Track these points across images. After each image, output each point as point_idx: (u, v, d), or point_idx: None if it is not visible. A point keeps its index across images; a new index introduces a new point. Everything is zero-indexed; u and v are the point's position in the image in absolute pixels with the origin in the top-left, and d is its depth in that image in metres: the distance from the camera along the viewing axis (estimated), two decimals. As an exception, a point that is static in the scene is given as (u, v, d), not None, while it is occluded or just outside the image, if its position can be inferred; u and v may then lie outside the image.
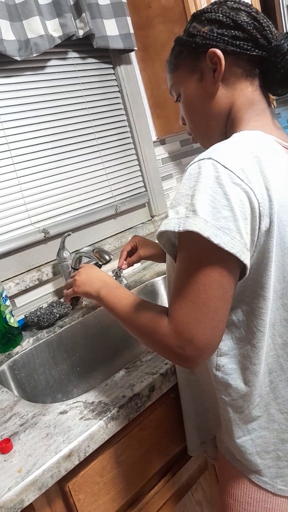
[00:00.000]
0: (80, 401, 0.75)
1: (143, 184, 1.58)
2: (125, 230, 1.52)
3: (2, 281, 1.18)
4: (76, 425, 0.68)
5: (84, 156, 1.39)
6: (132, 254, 1.05)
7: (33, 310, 1.20)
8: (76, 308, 1.21)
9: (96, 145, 1.43)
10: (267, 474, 0.68)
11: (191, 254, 0.56)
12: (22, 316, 1.19)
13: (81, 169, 1.38)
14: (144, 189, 1.58)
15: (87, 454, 0.66)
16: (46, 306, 1.22)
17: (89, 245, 1.14)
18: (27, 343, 1.10)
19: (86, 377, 1.21)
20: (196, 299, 0.55)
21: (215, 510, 0.97)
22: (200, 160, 0.57)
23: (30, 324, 1.16)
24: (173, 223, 0.56)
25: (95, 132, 1.42)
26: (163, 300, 1.42)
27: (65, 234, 1.19)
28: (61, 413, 0.73)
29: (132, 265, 1.05)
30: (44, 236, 1.25)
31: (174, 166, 1.71)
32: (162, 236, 0.59)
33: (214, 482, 0.95)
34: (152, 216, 1.63)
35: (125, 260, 1.04)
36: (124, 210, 1.50)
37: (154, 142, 1.61)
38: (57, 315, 1.16)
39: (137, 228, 1.53)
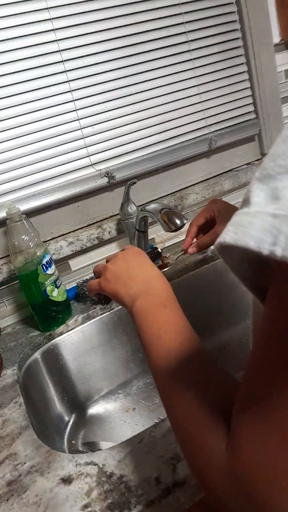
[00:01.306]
0: (95, 465, 0.48)
1: (253, 108, 1.13)
2: (221, 173, 1.13)
3: (48, 240, 0.93)
4: (74, 521, 0.42)
5: (169, 69, 0.99)
6: (206, 230, 0.69)
7: (88, 278, 0.95)
8: (106, 307, 0.89)
9: (188, 51, 1.01)
10: None
11: None
12: (75, 283, 0.95)
13: (163, 87, 0.99)
14: (254, 115, 1.14)
15: None
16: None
17: (156, 202, 0.80)
18: (74, 322, 0.87)
19: (150, 365, 0.95)
20: None
21: None
22: None
23: (81, 296, 0.92)
24: (258, 227, 0.22)
25: (188, 31, 1.00)
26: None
27: (129, 183, 0.86)
28: (63, 480, 0.48)
29: (205, 249, 0.70)
30: (108, 182, 0.95)
31: (303, 81, 1.20)
32: (230, 249, 0.24)
33: None
34: (263, 155, 1.19)
35: (195, 238, 0.69)
36: (222, 146, 1.09)
37: (276, 45, 1.11)
38: (114, 290, 0.89)
39: (239, 172, 1.12)
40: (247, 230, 0.22)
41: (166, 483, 0.44)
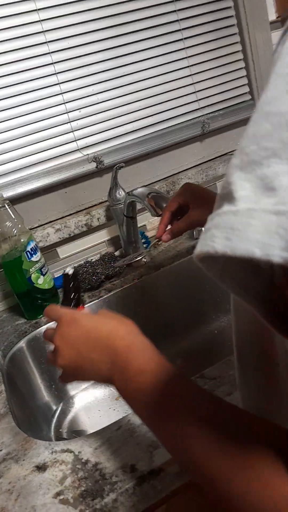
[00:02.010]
0: (71, 452, 0.47)
1: (248, 89, 1.10)
2: (215, 158, 1.10)
3: (35, 227, 0.92)
4: (46, 510, 0.41)
5: (159, 49, 0.96)
6: (180, 216, 0.66)
7: (75, 265, 0.93)
8: (95, 294, 0.85)
9: (179, 30, 0.98)
10: None
11: None
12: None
13: (153, 69, 0.96)
14: (249, 97, 1.10)
15: None
16: (97, 259, 0.94)
17: (144, 186, 0.78)
18: (62, 310, 0.85)
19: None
20: None
21: None
22: None
23: (70, 284, 0.91)
24: (259, 229, 0.18)
25: (178, 9, 0.96)
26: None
27: (116, 167, 0.84)
28: (37, 467, 0.46)
29: (179, 235, 0.67)
30: (97, 167, 0.93)
31: (299, 61, 1.16)
32: (215, 257, 0.21)
33: None
34: (258, 138, 1.16)
35: (170, 225, 0.66)
36: (215, 129, 1.06)
37: (272, 22, 1.08)
38: (102, 277, 0.87)
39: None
40: (245, 235, 0.18)
41: (142, 471, 0.42)
